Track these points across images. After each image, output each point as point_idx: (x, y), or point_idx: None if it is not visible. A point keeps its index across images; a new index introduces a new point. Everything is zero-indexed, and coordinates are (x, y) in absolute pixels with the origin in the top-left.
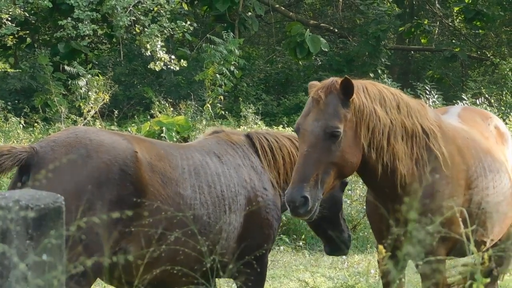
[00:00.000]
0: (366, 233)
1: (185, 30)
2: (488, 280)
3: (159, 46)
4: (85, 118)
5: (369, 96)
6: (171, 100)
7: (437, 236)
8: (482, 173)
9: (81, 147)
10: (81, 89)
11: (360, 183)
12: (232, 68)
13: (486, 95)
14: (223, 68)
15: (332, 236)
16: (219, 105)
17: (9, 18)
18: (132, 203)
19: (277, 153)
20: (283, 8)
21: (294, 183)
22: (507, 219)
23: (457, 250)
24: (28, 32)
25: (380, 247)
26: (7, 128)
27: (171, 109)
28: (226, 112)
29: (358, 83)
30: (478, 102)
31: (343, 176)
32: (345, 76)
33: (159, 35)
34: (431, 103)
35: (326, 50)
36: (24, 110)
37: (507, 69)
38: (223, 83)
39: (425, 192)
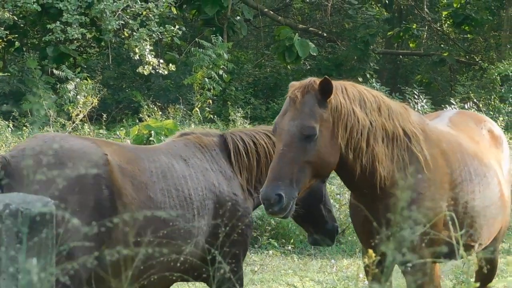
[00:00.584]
0: (354, 237)
1: (174, 34)
2: (478, 284)
3: (147, 50)
4: (73, 122)
5: (348, 96)
6: (159, 104)
7: (421, 238)
8: (468, 177)
9: (52, 154)
10: (69, 92)
11: None
12: (220, 72)
13: (475, 100)
14: (212, 72)
15: (314, 227)
16: (208, 109)
17: None
18: (109, 207)
19: (252, 155)
20: (272, 12)
21: (269, 182)
22: (496, 224)
23: (444, 253)
24: (16, 35)
25: (370, 251)
26: None
27: (160, 113)
28: (215, 116)
29: (337, 84)
30: (466, 107)
31: (320, 175)
32: (325, 76)
33: (147, 39)
34: (419, 108)
35: (314, 54)
36: (13, 113)
37: (496, 74)
38: (211, 87)
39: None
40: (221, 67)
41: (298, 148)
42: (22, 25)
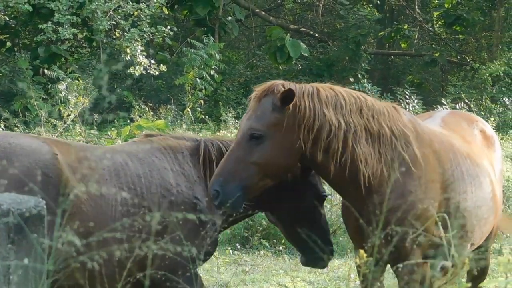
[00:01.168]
0: (346, 238)
1: (165, 34)
2: (469, 284)
3: (139, 50)
4: (65, 122)
5: (319, 99)
6: (151, 104)
7: (411, 237)
8: (460, 177)
9: (1, 151)
10: (61, 93)
11: None
12: (212, 72)
13: (466, 100)
14: (203, 72)
15: (306, 245)
16: (199, 109)
17: None
18: (56, 207)
19: None
20: (263, 13)
21: (213, 177)
22: (488, 224)
23: (435, 253)
24: (8, 36)
25: (361, 251)
26: None
27: (151, 113)
28: (206, 117)
29: (308, 86)
30: (458, 107)
31: (273, 176)
32: (289, 88)
33: (139, 39)
34: (410, 108)
35: (306, 54)
36: (4, 114)
37: (487, 74)
38: (203, 87)
39: (396, 192)
40: (213, 67)
41: (245, 148)
42: (13, 25)
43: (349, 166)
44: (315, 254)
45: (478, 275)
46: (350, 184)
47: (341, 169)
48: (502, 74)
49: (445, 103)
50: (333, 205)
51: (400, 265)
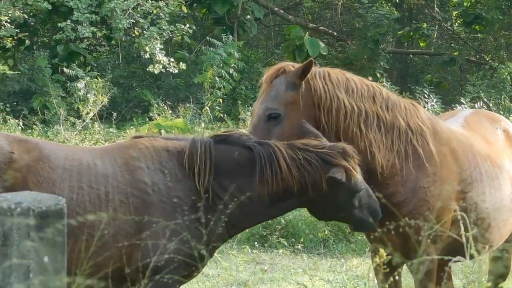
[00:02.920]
0: (364, 237)
1: (184, 33)
2: (490, 284)
3: (158, 48)
4: (83, 121)
5: (331, 82)
6: (169, 103)
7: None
8: (478, 178)
9: None
10: (79, 91)
11: None
12: (231, 71)
13: (485, 99)
14: (222, 71)
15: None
16: (218, 108)
17: (8, 20)
18: None
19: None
20: (282, 11)
21: None
22: (507, 226)
23: (451, 252)
24: (27, 34)
25: (381, 250)
26: (5, 130)
27: (170, 111)
28: (225, 115)
29: (319, 69)
30: (476, 106)
31: None
32: (309, 59)
33: (158, 37)
34: (429, 107)
35: (324, 53)
36: (23, 112)
37: (506, 73)
38: (222, 86)
39: (408, 187)
40: (232, 66)
41: (263, 130)
42: (32, 24)
43: (363, 152)
44: (362, 221)
45: (499, 275)
46: (368, 172)
47: (361, 154)
48: None
49: (464, 102)
50: None
51: (415, 261)
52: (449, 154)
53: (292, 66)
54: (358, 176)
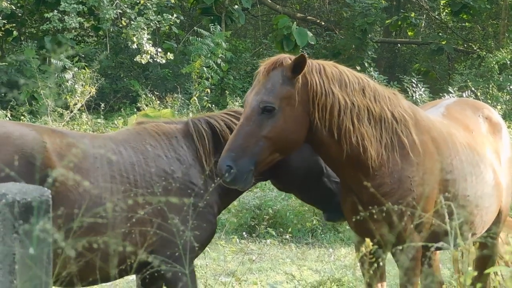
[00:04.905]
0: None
1: (172, 23)
2: (476, 273)
3: (145, 39)
4: (71, 111)
5: (326, 76)
6: (157, 93)
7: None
8: (459, 166)
9: None
10: (67, 82)
11: None
12: (219, 61)
13: (473, 88)
14: (210, 61)
15: (324, 202)
16: (206, 98)
17: None
18: None
19: (217, 138)
20: (270, 1)
21: (223, 152)
22: (490, 213)
23: (434, 239)
24: (14, 25)
25: (367, 240)
26: None
27: (158, 102)
28: (213, 105)
29: (315, 63)
30: (464, 95)
31: (281, 151)
32: (301, 53)
33: (145, 28)
34: (417, 96)
35: (312, 43)
36: (11, 103)
37: (494, 62)
38: (209, 76)
39: (394, 177)
40: (219, 56)
41: (256, 122)
42: (19, 15)
43: (355, 146)
44: (336, 210)
45: (485, 261)
46: (349, 165)
47: (353, 149)
48: (508, 62)
49: (452, 91)
50: None
51: (399, 247)
52: (430, 142)
53: (289, 59)
54: None
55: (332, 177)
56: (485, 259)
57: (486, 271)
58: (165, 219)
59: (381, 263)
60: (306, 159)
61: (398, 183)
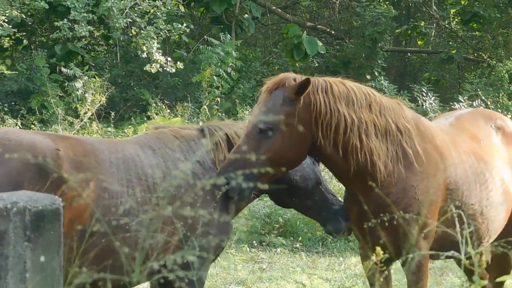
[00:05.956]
0: None
1: (182, 32)
2: (486, 282)
3: (155, 48)
4: (81, 120)
5: (333, 95)
6: (167, 102)
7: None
8: (463, 174)
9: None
10: (77, 90)
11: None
12: (229, 69)
13: (483, 97)
14: (220, 70)
15: (323, 214)
16: (216, 107)
17: (6, 20)
18: None
19: (229, 146)
20: (280, 10)
21: (221, 167)
22: (497, 221)
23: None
24: (24, 33)
25: (378, 248)
26: None
27: (168, 111)
28: (223, 114)
29: (321, 81)
30: (474, 104)
31: (281, 168)
32: (307, 77)
33: (155, 37)
34: (427, 105)
35: (322, 52)
36: (21, 111)
37: (504, 71)
38: (220, 85)
39: (399, 186)
40: (229, 65)
41: (255, 140)
42: (30, 23)
43: (362, 161)
44: (336, 223)
45: (499, 269)
46: (357, 177)
47: (360, 166)
48: None
49: (462, 100)
50: None
51: (410, 256)
52: (434, 151)
53: (293, 79)
54: None
55: (328, 189)
56: (500, 268)
57: (499, 279)
58: (192, 228)
59: (386, 272)
60: (300, 170)
61: (403, 193)
